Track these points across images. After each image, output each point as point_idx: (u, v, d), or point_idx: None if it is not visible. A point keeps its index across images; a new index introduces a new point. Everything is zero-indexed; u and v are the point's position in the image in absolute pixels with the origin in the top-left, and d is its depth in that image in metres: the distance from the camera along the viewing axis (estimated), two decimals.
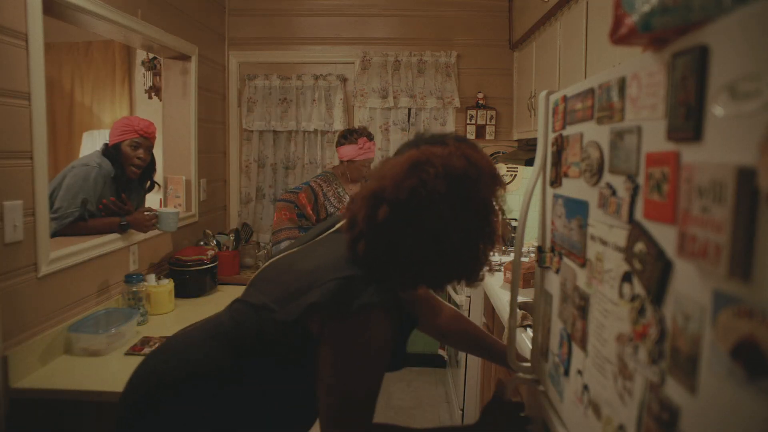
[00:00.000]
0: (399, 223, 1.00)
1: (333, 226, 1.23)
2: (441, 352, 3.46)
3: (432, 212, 1.00)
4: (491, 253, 1.12)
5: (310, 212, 2.77)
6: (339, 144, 2.84)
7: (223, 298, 2.58)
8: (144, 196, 2.66)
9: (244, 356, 1.10)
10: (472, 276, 1.12)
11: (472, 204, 1.03)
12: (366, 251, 1.03)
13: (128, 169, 2.40)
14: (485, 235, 1.07)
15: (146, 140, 2.42)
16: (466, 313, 2.73)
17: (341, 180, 2.87)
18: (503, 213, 1.10)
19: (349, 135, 2.81)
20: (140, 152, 2.40)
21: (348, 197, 2.85)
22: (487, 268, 1.13)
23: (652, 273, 0.73)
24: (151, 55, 3.84)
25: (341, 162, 2.86)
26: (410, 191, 0.99)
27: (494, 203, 1.07)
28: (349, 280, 1.01)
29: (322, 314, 1.01)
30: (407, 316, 1.10)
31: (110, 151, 2.37)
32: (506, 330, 1.72)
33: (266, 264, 1.24)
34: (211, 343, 1.14)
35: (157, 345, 1.32)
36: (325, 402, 1.03)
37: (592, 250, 0.96)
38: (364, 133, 2.82)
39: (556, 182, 1.20)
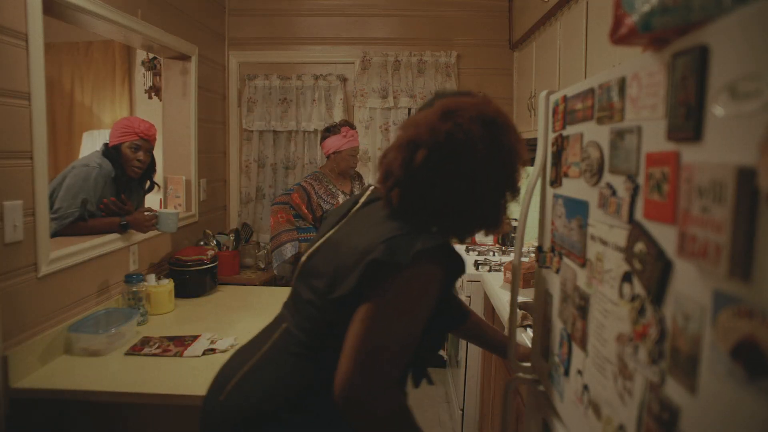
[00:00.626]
0: (436, 167, 1.02)
1: (359, 200, 1.21)
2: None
3: (468, 155, 1.01)
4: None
5: (306, 211, 2.83)
6: (323, 139, 2.93)
7: (223, 298, 2.57)
8: (144, 197, 2.66)
9: (324, 356, 1.06)
10: (496, 224, 1.11)
11: (502, 150, 1.04)
12: (401, 200, 1.04)
13: (129, 170, 2.40)
14: (511, 182, 1.08)
15: (146, 142, 2.42)
16: None
17: (330, 177, 2.94)
18: (525, 166, 1.11)
19: (332, 128, 2.90)
20: (140, 154, 2.40)
21: (340, 193, 2.90)
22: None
23: (652, 273, 0.73)
24: (151, 55, 3.84)
25: (328, 158, 2.95)
26: (447, 134, 1.01)
27: (519, 152, 1.07)
28: (397, 237, 1.00)
29: (378, 273, 0.98)
30: (457, 263, 1.06)
31: (110, 152, 2.36)
32: (506, 330, 1.72)
33: (307, 255, 1.20)
34: (291, 359, 1.09)
35: (219, 375, 1.20)
36: (355, 354, 0.96)
37: (592, 250, 0.97)
38: (346, 123, 2.91)
39: (556, 182, 1.20)
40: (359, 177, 3.15)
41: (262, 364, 1.12)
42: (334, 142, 2.86)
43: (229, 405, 1.10)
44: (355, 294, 1.00)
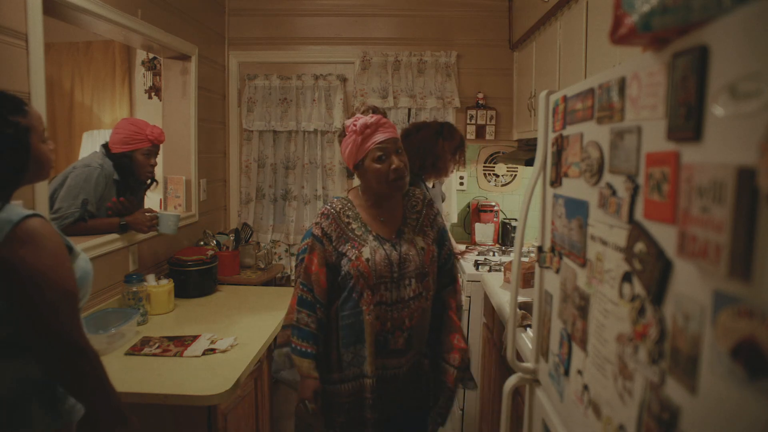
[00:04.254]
0: (419, 154, 2.49)
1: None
2: None
3: (430, 146, 2.53)
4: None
5: (323, 281, 1.63)
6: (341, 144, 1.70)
7: (223, 298, 2.58)
8: (143, 196, 2.66)
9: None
10: (442, 174, 2.64)
11: (437, 142, 2.55)
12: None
13: (142, 175, 2.43)
14: (453, 152, 2.62)
15: (157, 147, 2.45)
16: (466, 314, 2.73)
17: (361, 203, 1.70)
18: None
19: (343, 131, 1.67)
20: (153, 160, 2.44)
21: (370, 236, 1.63)
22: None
23: (652, 273, 0.73)
24: (151, 55, 3.84)
25: (349, 173, 2.02)
26: (420, 139, 2.53)
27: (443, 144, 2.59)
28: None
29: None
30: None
31: (117, 157, 2.36)
32: (506, 330, 1.72)
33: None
34: None
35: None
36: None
37: (592, 250, 0.97)
38: (367, 110, 1.65)
39: (556, 182, 1.20)
40: (423, 199, 1.78)
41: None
42: (346, 150, 1.65)
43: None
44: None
